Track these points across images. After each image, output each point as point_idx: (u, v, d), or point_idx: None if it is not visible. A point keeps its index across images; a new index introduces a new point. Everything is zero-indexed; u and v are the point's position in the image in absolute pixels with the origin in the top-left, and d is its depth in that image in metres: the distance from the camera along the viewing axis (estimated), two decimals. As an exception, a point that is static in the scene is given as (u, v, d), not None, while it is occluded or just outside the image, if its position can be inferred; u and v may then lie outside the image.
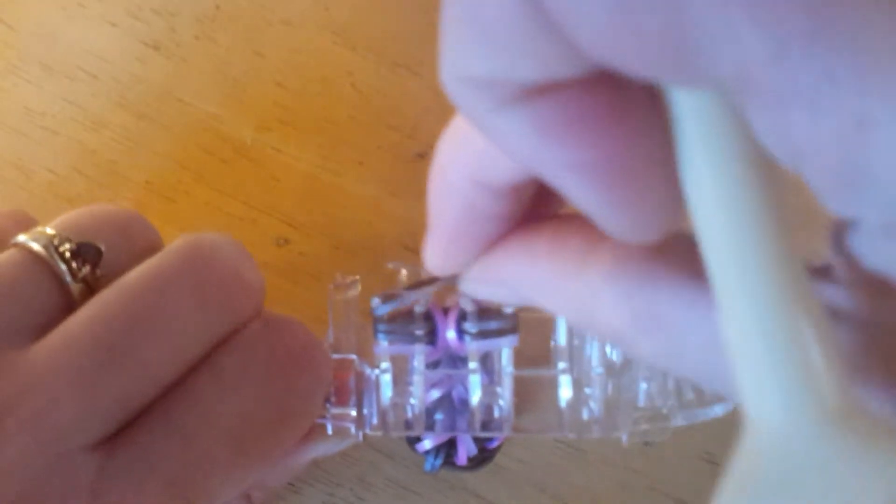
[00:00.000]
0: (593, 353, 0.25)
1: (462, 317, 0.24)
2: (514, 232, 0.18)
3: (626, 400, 0.25)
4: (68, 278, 0.21)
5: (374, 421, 0.25)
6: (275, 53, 0.30)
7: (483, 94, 0.12)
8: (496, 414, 0.25)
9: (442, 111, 0.30)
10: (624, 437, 0.25)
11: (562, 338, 0.26)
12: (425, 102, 0.29)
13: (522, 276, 0.17)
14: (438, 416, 0.26)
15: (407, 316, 0.24)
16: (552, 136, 0.12)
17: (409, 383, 0.25)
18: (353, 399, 0.25)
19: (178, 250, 0.22)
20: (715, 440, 0.29)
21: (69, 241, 0.21)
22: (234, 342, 0.22)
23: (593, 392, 0.25)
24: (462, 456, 0.28)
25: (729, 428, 0.29)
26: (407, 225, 0.29)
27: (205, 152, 0.30)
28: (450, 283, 0.21)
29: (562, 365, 0.26)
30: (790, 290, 0.12)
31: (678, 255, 0.15)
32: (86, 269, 0.21)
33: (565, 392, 0.25)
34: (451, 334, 0.24)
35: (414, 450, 0.28)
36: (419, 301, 0.24)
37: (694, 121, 0.12)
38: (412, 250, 0.29)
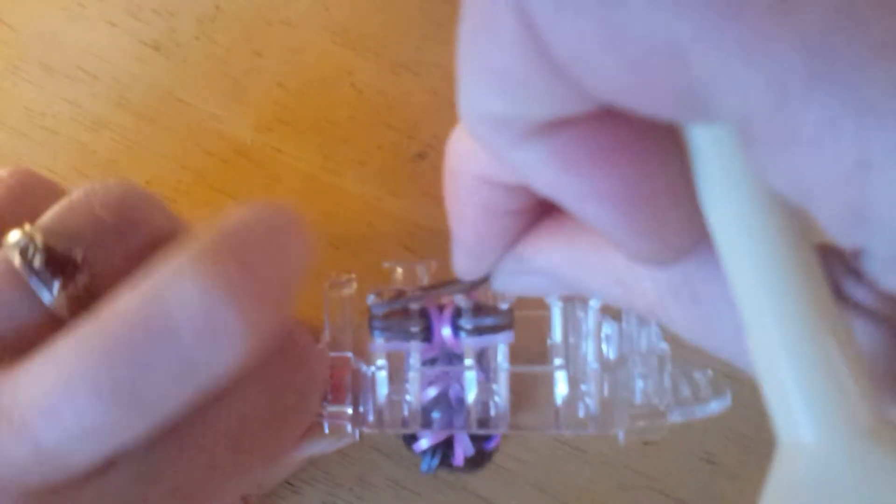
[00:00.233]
0: (589, 349, 0.25)
1: (457, 313, 0.24)
2: (545, 220, 0.18)
3: (622, 397, 0.25)
4: (45, 295, 0.19)
5: (371, 419, 0.25)
6: (275, 53, 0.30)
7: (501, 130, 0.13)
8: (492, 411, 0.25)
9: (442, 111, 0.30)
10: (620, 435, 0.25)
11: (557, 335, 0.26)
12: (425, 102, 0.29)
13: (560, 258, 0.17)
14: (435, 415, 0.26)
15: (402, 313, 0.24)
16: (569, 168, 0.13)
17: (406, 380, 0.25)
18: (349, 397, 0.25)
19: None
20: (715, 440, 0.29)
21: (41, 249, 0.19)
22: None
23: (589, 389, 0.25)
24: (459, 456, 0.28)
25: (729, 428, 0.30)
26: (406, 225, 0.29)
27: (205, 152, 0.30)
28: (480, 286, 0.21)
29: (558, 361, 0.26)
30: (815, 311, 0.12)
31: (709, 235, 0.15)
32: (56, 286, 0.19)
33: (561, 389, 0.25)
34: (446, 331, 0.25)
35: (411, 450, 0.28)
36: (418, 300, 0.24)
37: (709, 150, 0.13)
38: (412, 250, 0.29)
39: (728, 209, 0.13)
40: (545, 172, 0.13)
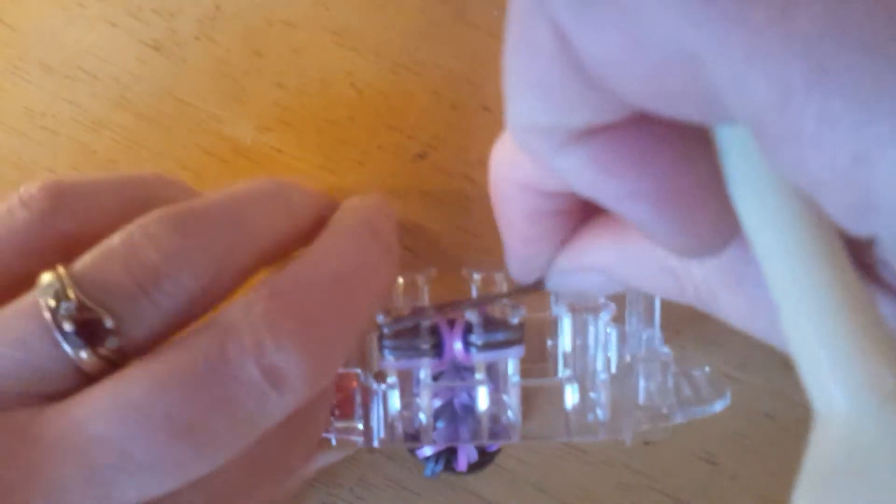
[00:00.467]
0: (598, 357, 0.25)
1: (468, 329, 0.24)
2: (593, 219, 0.19)
3: (629, 401, 0.25)
4: (73, 354, 0.19)
5: (381, 434, 0.25)
6: (275, 53, 0.30)
7: (544, 139, 0.14)
8: (504, 423, 0.25)
9: (442, 111, 0.30)
10: (628, 439, 0.25)
11: (567, 344, 0.26)
12: (425, 102, 0.29)
13: (610, 253, 0.19)
14: (440, 424, 0.26)
15: (412, 330, 0.24)
16: (607, 171, 0.14)
17: (415, 395, 0.25)
18: (358, 412, 0.25)
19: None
20: (715, 440, 0.29)
21: (72, 312, 0.19)
22: None
23: (598, 397, 0.25)
24: (462, 462, 0.28)
25: (729, 428, 0.30)
26: (407, 225, 0.29)
27: (205, 152, 0.30)
28: (537, 288, 0.21)
29: (567, 372, 0.26)
30: (840, 285, 0.13)
31: None
32: (84, 353, 0.19)
33: (571, 398, 0.25)
34: (457, 346, 0.24)
35: (414, 456, 0.28)
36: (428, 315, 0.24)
37: (733, 147, 0.14)
38: (412, 250, 0.29)
39: (753, 200, 0.14)
40: (585, 176, 0.14)
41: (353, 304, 0.22)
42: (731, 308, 0.17)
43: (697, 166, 0.14)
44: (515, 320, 0.24)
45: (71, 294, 0.19)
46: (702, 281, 0.17)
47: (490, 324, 0.24)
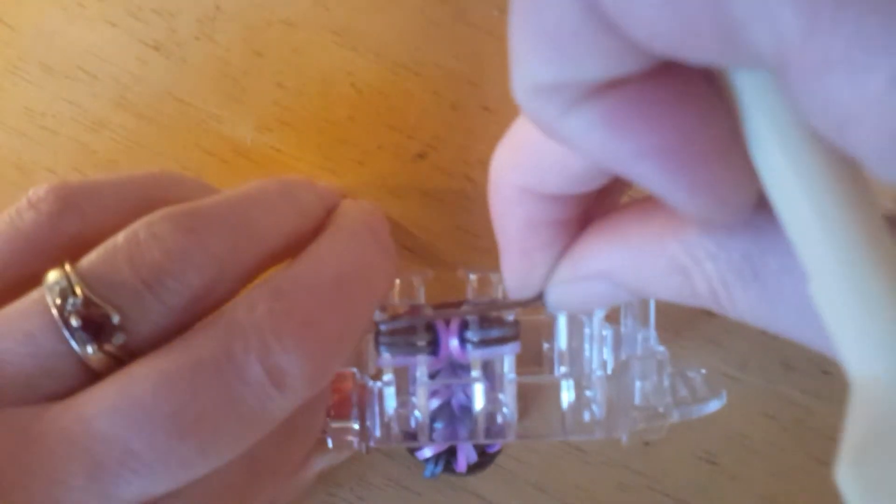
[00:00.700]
0: (593, 356, 0.25)
1: (464, 326, 0.24)
2: (595, 222, 0.18)
3: (625, 400, 0.25)
4: (80, 350, 0.19)
5: (378, 434, 0.25)
6: (275, 53, 0.30)
7: (552, 99, 0.13)
8: (499, 421, 0.25)
9: (442, 111, 0.30)
10: (624, 438, 0.25)
11: (562, 342, 0.26)
12: (425, 102, 0.29)
13: (615, 254, 0.18)
14: (438, 425, 0.26)
15: (409, 327, 0.24)
16: (620, 128, 0.13)
17: (412, 394, 0.25)
18: (354, 412, 0.25)
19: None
20: (715, 440, 0.29)
21: (79, 307, 0.19)
22: None
23: (594, 395, 0.25)
24: (462, 463, 0.28)
25: (729, 428, 0.29)
26: (407, 225, 0.29)
27: (205, 152, 0.30)
28: (534, 305, 0.21)
29: (563, 369, 0.26)
30: (873, 246, 0.13)
31: (766, 205, 0.15)
32: (91, 348, 0.19)
33: (567, 396, 0.25)
34: (453, 343, 0.24)
35: (414, 457, 0.28)
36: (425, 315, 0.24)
37: (754, 97, 0.13)
38: (412, 250, 0.29)
39: (776, 154, 0.13)
40: (596, 137, 0.13)
41: (354, 306, 0.22)
42: (748, 304, 0.16)
43: (714, 122, 0.13)
44: (511, 317, 0.24)
45: (78, 290, 0.19)
46: (715, 278, 0.16)
47: (486, 321, 0.24)
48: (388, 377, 0.25)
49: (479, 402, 0.25)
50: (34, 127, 0.30)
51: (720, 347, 0.29)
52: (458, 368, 0.26)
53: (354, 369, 0.25)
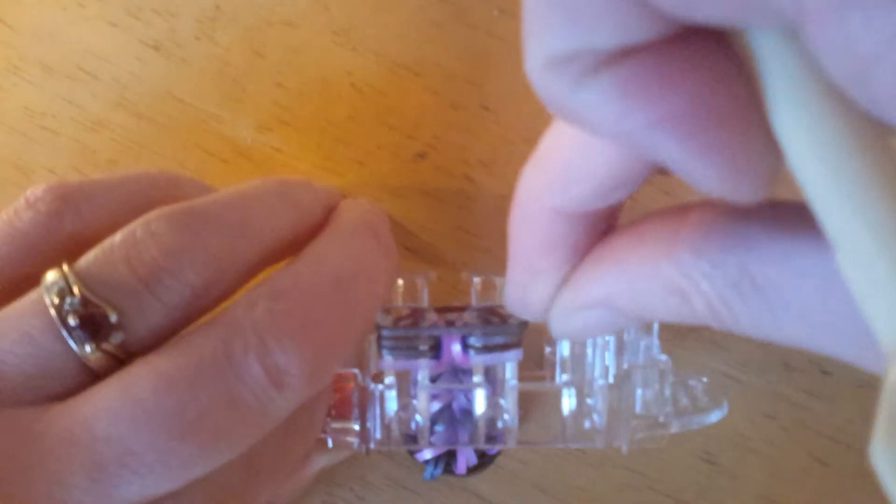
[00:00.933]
0: (595, 363, 0.25)
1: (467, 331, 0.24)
2: (591, 253, 0.18)
3: (626, 409, 0.25)
4: (78, 350, 0.19)
5: (378, 435, 0.25)
6: (275, 53, 0.30)
7: (565, 72, 0.13)
8: (500, 426, 0.25)
9: (442, 111, 0.30)
10: (624, 447, 0.25)
11: (565, 347, 0.26)
12: (425, 102, 0.29)
13: (612, 280, 0.17)
14: (438, 428, 0.26)
15: (411, 331, 0.24)
16: (634, 97, 0.13)
17: (413, 396, 0.25)
18: (355, 413, 0.25)
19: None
20: (715, 440, 0.29)
21: (77, 306, 0.19)
22: None
23: (595, 403, 0.25)
24: (461, 465, 0.28)
25: (729, 428, 0.29)
26: (407, 225, 0.29)
27: (205, 152, 0.30)
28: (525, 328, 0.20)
29: (565, 377, 0.26)
30: None
31: (763, 217, 0.15)
32: (89, 347, 0.19)
33: (568, 404, 0.25)
34: (455, 348, 0.24)
35: (413, 458, 0.28)
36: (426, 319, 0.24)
37: (774, 58, 0.13)
38: (412, 250, 0.29)
39: (797, 115, 0.13)
40: (610, 109, 0.13)
41: (354, 305, 0.22)
42: (751, 318, 0.15)
43: (729, 88, 0.13)
44: (514, 323, 0.24)
45: (75, 290, 0.19)
46: (713, 296, 0.16)
47: (489, 326, 0.24)
48: (389, 380, 0.25)
49: (480, 407, 0.25)
50: (34, 127, 0.30)
51: (721, 348, 0.29)
52: (460, 372, 0.26)
53: (356, 370, 0.25)
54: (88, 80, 0.30)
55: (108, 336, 0.19)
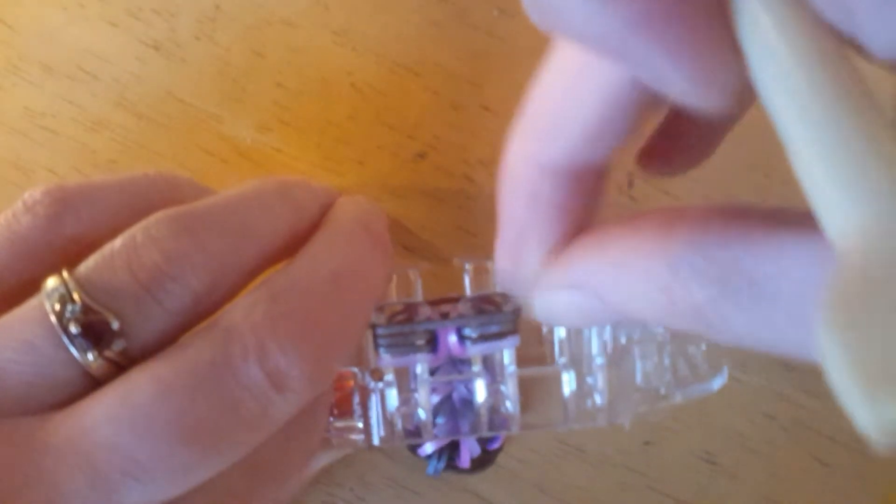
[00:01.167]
0: (593, 342, 0.25)
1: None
2: (582, 236, 0.18)
3: (627, 384, 0.25)
4: (80, 357, 0.19)
5: (381, 432, 0.25)
6: (275, 53, 0.30)
7: None
8: (503, 413, 0.25)
9: (442, 111, 0.30)
10: (626, 424, 0.25)
11: (562, 329, 0.26)
12: (425, 102, 0.30)
13: (597, 267, 0.17)
14: (440, 420, 0.26)
15: (407, 326, 0.24)
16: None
17: (413, 391, 0.25)
18: (357, 411, 0.25)
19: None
20: (715, 440, 0.29)
21: (78, 314, 0.19)
22: None
23: (595, 382, 0.25)
24: (465, 458, 0.28)
25: (729, 428, 0.29)
26: (407, 225, 0.29)
27: (205, 152, 0.30)
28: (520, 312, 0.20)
29: (563, 360, 0.26)
30: (856, 95, 0.12)
31: (762, 217, 0.15)
32: (91, 355, 0.19)
33: (568, 385, 0.25)
34: (452, 339, 0.24)
35: (416, 455, 0.28)
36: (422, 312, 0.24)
37: None
38: (412, 250, 0.29)
39: (757, 12, 0.13)
40: (588, 7, 0.13)
41: (352, 305, 0.22)
42: (738, 320, 0.15)
43: None
44: (509, 311, 0.24)
45: (76, 297, 0.19)
46: (702, 296, 0.15)
47: (484, 315, 0.24)
48: (388, 377, 0.25)
49: (480, 397, 0.25)
50: (34, 127, 0.30)
51: (721, 348, 0.29)
52: (458, 363, 0.26)
53: (355, 369, 0.25)
54: (88, 80, 0.30)
55: (111, 343, 0.19)
